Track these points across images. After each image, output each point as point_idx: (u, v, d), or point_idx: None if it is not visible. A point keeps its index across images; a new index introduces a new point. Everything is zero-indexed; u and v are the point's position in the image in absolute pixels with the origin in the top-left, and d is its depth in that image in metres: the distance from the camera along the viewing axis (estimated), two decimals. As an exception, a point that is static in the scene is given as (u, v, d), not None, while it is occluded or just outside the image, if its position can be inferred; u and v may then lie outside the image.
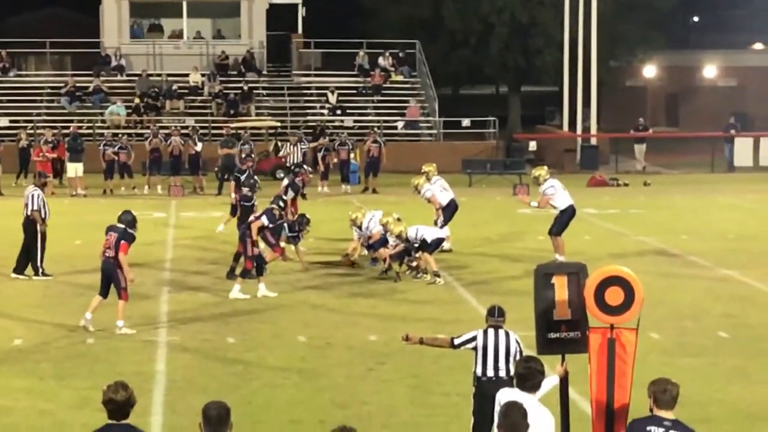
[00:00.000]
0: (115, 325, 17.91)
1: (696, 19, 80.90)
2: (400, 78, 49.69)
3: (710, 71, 64.70)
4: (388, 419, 13.83)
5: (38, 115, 45.11)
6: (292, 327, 18.54)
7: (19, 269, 22.43)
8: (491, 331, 11.72)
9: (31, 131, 40.99)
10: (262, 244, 21.49)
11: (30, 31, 55.06)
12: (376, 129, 41.07)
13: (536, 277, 10.48)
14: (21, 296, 20.97)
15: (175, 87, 47.15)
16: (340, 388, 15.17)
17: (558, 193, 23.75)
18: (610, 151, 46.78)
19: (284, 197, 23.63)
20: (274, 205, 21.86)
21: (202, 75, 48.01)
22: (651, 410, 8.78)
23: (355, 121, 46.28)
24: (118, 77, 48.20)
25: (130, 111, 45.48)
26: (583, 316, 10.29)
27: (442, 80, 55.90)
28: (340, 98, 47.67)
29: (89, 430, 8.21)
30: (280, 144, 40.51)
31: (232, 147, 36.99)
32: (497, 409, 9.04)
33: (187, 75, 47.90)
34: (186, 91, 47.45)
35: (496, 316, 11.83)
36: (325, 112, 47.08)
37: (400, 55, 50.48)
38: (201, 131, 40.85)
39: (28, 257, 22.46)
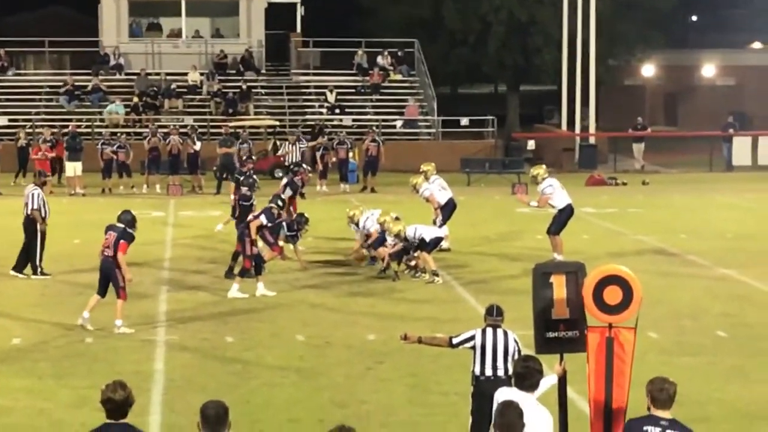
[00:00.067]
0: (113, 324, 17.92)
1: (695, 18, 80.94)
2: (399, 77, 49.68)
3: (709, 70, 64.73)
4: (386, 418, 13.83)
5: (37, 114, 45.08)
6: (290, 326, 18.55)
7: (19, 268, 22.44)
8: (490, 331, 11.72)
9: (30, 130, 40.97)
10: (260, 243, 21.50)
11: (29, 30, 55.06)
12: (374, 128, 41.03)
13: (534, 276, 10.48)
14: (20, 295, 20.96)
15: (173, 86, 47.13)
16: (338, 387, 15.18)
17: (556, 192, 23.76)
18: (609, 150, 46.77)
19: (282, 196, 23.64)
20: (272, 204, 21.87)
21: (201, 74, 48.00)
22: (649, 409, 8.79)
23: (353, 120, 46.26)
24: (117, 76, 48.18)
25: (128, 110, 45.46)
26: (581, 315, 10.30)
27: (441, 79, 55.95)
28: (338, 97, 47.65)
29: (88, 430, 8.21)
30: (278, 143, 40.51)
31: (231, 146, 36.98)
32: (495, 408, 9.05)
33: (185, 74, 47.88)
34: (185, 90, 47.43)
35: (494, 315, 11.84)
36: (324, 111, 47.06)
37: (399, 54, 50.46)
38: (200, 130, 40.84)
39: (28, 256, 22.47)
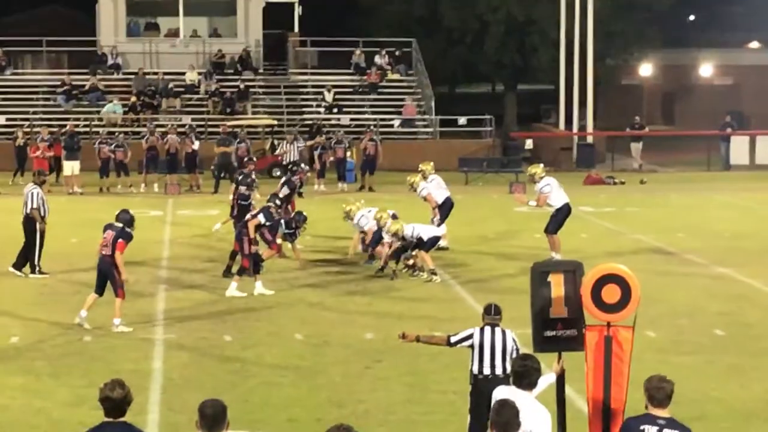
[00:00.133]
0: (111, 323, 17.92)
1: (692, 17, 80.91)
2: (397, 76, 49.67)
3: (706, 70, 64.74)
4: (385, 417, 13.83)
5: (35, 113, 45.06)
6: (289, 325, 18.55)
7: (18, 265, 22.45)
8: (488, 329, 11.73)
9: (28, 130, 40.94)
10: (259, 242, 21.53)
11: (26, 29, 55.01)
12: (372, 127, 41.03)
13: (533, 275, 10.50)
14: (17, 294, 20.96)
15: (171, 85, 47.09)
16: (337, 386, 15.18)
17: (554, 191, 23.77)
18: (607, 149, 46.79)
19: (280, 195, 23.65)
20: (270, 204, 21.87)
21: (199, 73, 47.98)
22: (646, 408, 8.79)
23: (351, 120, 46.25)
24: (115, 75, 48.16)
25: (126, 109, 45.44)
26: (579, 313, 10.31)
27: (439, 78, 55.95)
28: (336, 96, 47.64)
29: (85, 429, 8.19)
30: (276, 142, 40.50)
31: (229, 145, 37.01)
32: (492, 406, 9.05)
33: (183, 73, 47.86)
34: (182, 89, 47.40)
35: (492, 314, 11.85)
36: (322, 110, 47.06)
37: (397, 53, 50.44)
38: (197, 130, 40.83)
39: (27, 255, 22.49)
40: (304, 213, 23.53)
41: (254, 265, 20.83)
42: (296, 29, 52.08)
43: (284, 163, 36.61)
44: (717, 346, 17.30)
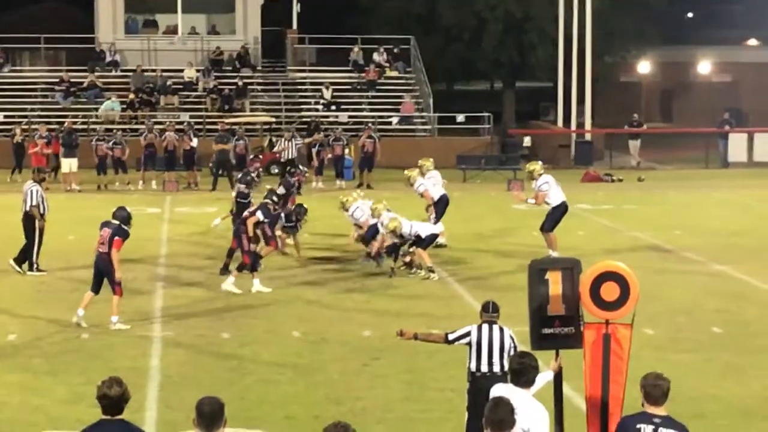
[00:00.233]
0: (109, 320, 17.91)
1: (690, 14, 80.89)
2: (395, 73, 49.68)
3: (705, 67, 64.72)
4: (382, 415, 13.83)
5: (33, 110, 45.03)
6: (286, 322, 18.55)
7: (19, 261, 22.45)
8: (485, 327, 11.73)
9: (26, 127, 40.92)
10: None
11: (24, 26, 54.97)
12: (371, 124, 41.06)
13: (530, 272, 10.48)
14: (15, 291, 20.96)
15: (169, 82, 47.07)
16: (334, 383, 15.18)
17: (552, 189, 23.78)
18: (605, 146, 46.79)
19: (278, 192, 23.67)
20: (267, 200, 21.87)
21: (197, 70, 47.97)
22: (642, 405, 8.78)
23: (349, 117, 46.25)
24: (113, 73, 48.14)
25: (124, 107, 45.43)
26: (576, 311, 10.30)
27: (437, 76, 55.93)
28: (334, 94, 47.63)
29: (83, 426, 8.19)
30: (274, 140, 40.49)
31: (227, 142, 37.00)
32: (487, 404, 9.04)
33: (181, 70, 47.85)
34: (180, 86, 47.39)
35: (490, 311, 11.85)
36: (320, 107, 47.06)
37: (395, 50, 50.45)
38: (196, 127, 40.81)
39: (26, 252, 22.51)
40: (305, 205, 23.61)
41: (252, 263, 20.84)
42: (294, 26, 52.07)
43: (282, 160, 36.60)
44: (715, 344, 17.31)
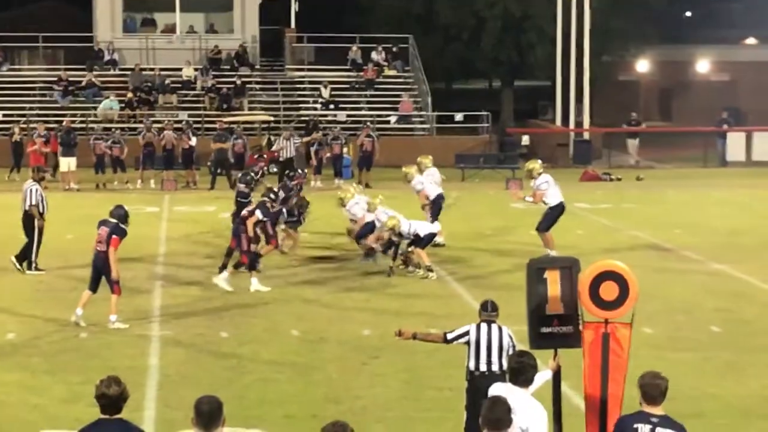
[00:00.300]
0: (107, 319, 17.90)
1: (689, 13, 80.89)
2: (393, 72, 49.66)
3: (703, 66, 64.71)
4: (381, 414, 13.83)
5: (31, 109, 45.02)
6: (285, 321, 18.54)
7: (20, 258, 22.45)
8: (484, 326, 11.73)
9: (24, 125, 40.89)
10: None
11: (23, 25, 54.95)
12: (369, 123, 41.05)
13: (529, 271, 10.47)
14: (14, 290, 20.95)
15: (168, 81, 47.05)
16: (333, 382, 15.18)
17: (551, 188, 23.77)
18: (603, 145, 46.75)
19: (275, 190, 23.67)
20: (265, 198, 21.85)
21: (195, 69, 47.94)
22: (640, 404, 8.78)
23: (348, 116, 46.25)
24: (111, 71, 48.12)
25: (123, 105, 45.41)
26: (575, 310, 10.30)
27: (435, 75, 55.90)
28: (333, 93, 47.62)
29: (81, 425, 8.19)
30: (273, 138, 40.48)
31: (225, 141, 37.00)
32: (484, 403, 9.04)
33: (180, 69, 47.84)
34: (179, 85, 47.36)
35: (489, 310, 11.85)
36: (318, 106, 47.04)
37: (393, 49, 50.43)
38: (194, 126, 40.78)
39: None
40: (307, 198, 23.69)
41: (251, 262, 20.84)
42: (293, 25, 52.04)
43: (281, 159, 36.59)
44: (714, 343, 17.31)
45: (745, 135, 45.14)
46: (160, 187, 36.49)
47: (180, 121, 41.32)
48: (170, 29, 50.45)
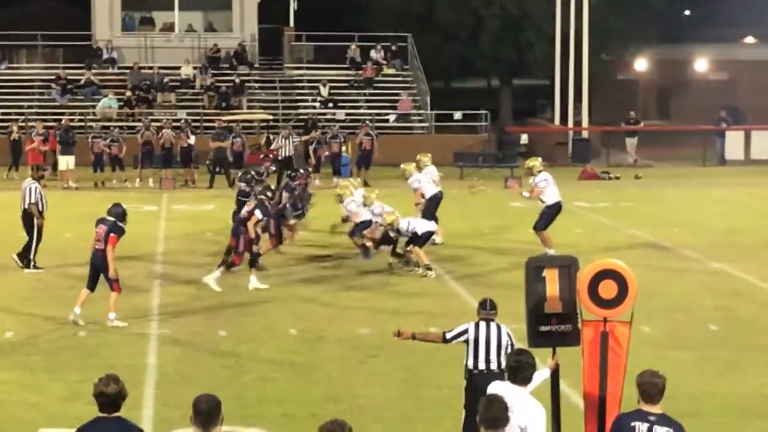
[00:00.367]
0: (106, 317, 17.89)
1: (687, 12, 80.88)
2: (392, 71, 49.65)
3: (702, 65, 64.69)
4: (380, 413, 13.83)
5: (30, 107, 45.00)
6: (283, 320, 18.54)
7: (22, 256, 22.45)
8: (483, 324, 11.73)
9: (23, 124, 40.87)
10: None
11: (21, 23, 54.90)
12: (368, 122, 41.04)
13: (527, 270, 10.47)
14: (12, 289, 20.94)
15: (166, 80, 47.05)
16: (332, 381, 15.18)
17: (549, 187, 23.75)
18: (602, 144, 46.76)
19: (272, 188, 23.68)
20: (262, 197, 21.81)
21: (194, 68, 47.92)
22: (638, 403, 8.78)
23: (346, 114, 46.24)
24: (110, 70, 48.09)
25: (121, 104, 45.39)
26: (573, 309, 10.30)
27: (434, 73, 55.88)
28: (331, 91, 47.62)
29: (80, 423, 8.18)
30: (271, 137, 40.46)
31: (224, 140, 36.98)
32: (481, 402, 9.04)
33: (178, 68, 47.82)
34: (178, 83, 47.35)
35: (487, 309, 11.85)
36: (317, 105, 47.03)
37: (392, 48, 50.42)
38: (193, 124, 40.77)
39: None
40: (309, 190, 23.75)
41: (251, 260, 20.84)
42: (291, 24, 52.02)
43: (279, 158, 36.57)
44: (712, 342, 17.31)
45: (743, 134, 45.14)
46: (158, 185, 36.48)
47: (179, 120, 41.28)
48: (169, 28, 50.43)
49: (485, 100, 58.11)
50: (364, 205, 23.05)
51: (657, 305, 18.97)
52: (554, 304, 10.31)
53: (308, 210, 24.04)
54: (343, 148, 39.08)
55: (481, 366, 11.60)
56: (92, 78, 46.53)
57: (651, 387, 8.67)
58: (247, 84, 47.52)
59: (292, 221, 23.26)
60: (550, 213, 23.77)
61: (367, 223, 22.96)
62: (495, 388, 9.38)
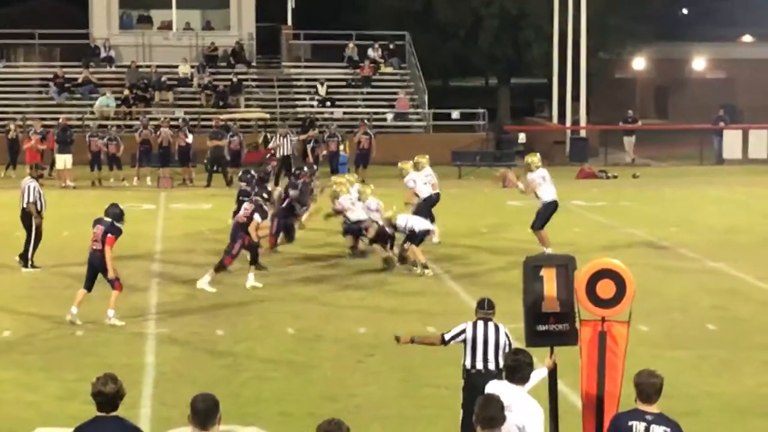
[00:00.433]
0: (105, 315, 17.86)
1: (685, 11, 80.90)
2: (390, 70, 49.64)
3: (699, 63, 64.73)
4: (377, 412, 13.82)
5: (27, 106, 44.98)
6: (281, 319, 18.53)
7: (24, 258, 22.46)
8: (480, 324, 11.72)
9: (21, 122, 40.85)
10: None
11: (19, 21, 54.88)
12: (366, 121, 41.02)
13: (525, 269, 10.47)
14: (9, 288, 20.93)
15: (164, 78, 47.04)
16: (329, 380, 15.17)
17: (546, 184, 23.75)
18: (600, 143, 46.77)
19: (269, 189, 23.66)
20: (258, 198, 21.74)
21: (192, 66, 47.92)
22: (636, 402, 8.77)
23: (344, 113, 46.24)
24: (108, 68, 48.07)
25: (119, 102, 45.37)
26: (571, 308, 10.30)
27: (432, 72, 55.92)
28: (329, 90, 47.61)
29: (77, 423, 8.17)
30: (269, 136, 40.45)
31: (222, 139, 36.96)
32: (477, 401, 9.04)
33: (176, 66, 47.81)
34: (175, 82, 47.35)
35: (485, 308, 11.84)
36: (315, 103, 47.02)
37: (390, 46, 50.42)
38: (190, 123, 40.74)
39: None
40: (309, 185, 23.79)
41: (252, 257, 20.84)
42: (289, 22, 52.02)
43: (277, 157, 36.54)
44: (710, 341, 17.31)
45: (741, 132, 45.11)
46: (156, 184, 36.47)
47: (176, 119, 41.31)
48: (166, 26, 50.42)
49: (483, 98, 58.09)
50: (359, 200, 23.02)
51: (655, 304, 18.96)
52: (552, 303, 10.31)
53: (312, 201, 24.10)
54: (341, 147, 39.08)
55: (479, 365, 11.60)
56: (90, 76, 46.53)
57: (648, 386, 8.67)
58: (244, 82, 47.52)
59: (305, 216, 23.53)
60: (546, 212, 23.77)
61: (360, 223, 22.89)
62: (493, 387, 9.38)
